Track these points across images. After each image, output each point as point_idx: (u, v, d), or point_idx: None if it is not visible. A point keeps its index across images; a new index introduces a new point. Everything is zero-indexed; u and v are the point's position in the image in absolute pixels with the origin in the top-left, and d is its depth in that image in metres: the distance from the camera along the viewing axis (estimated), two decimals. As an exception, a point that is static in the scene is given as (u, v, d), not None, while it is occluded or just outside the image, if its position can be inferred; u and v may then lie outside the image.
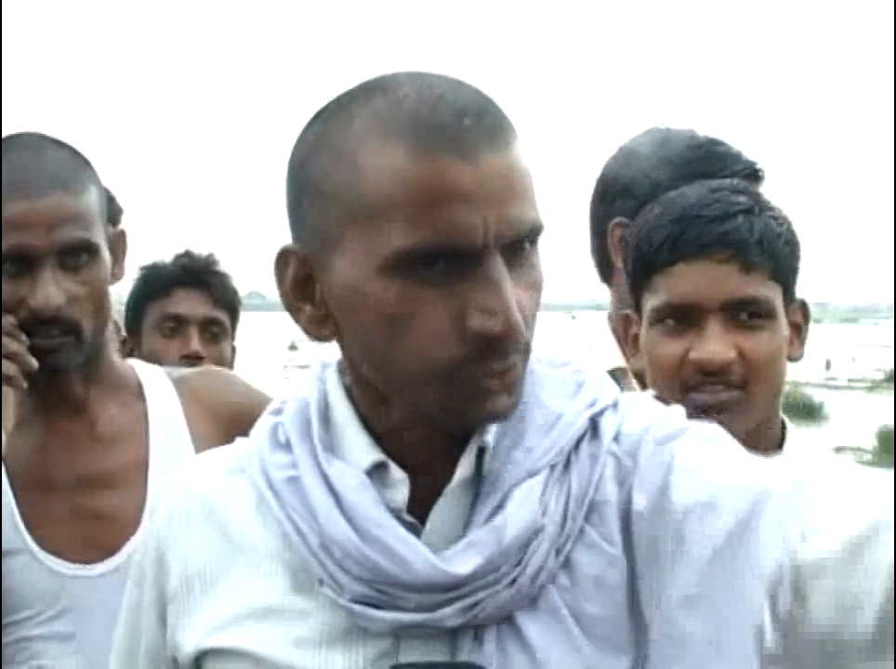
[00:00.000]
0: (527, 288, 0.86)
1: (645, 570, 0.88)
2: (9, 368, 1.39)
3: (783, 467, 0.87)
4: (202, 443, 1.52)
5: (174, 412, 1.58)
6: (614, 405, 0.95)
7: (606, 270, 1.84)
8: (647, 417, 0.94)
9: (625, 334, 1.47)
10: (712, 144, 1.75)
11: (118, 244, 1.53)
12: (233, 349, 2.46)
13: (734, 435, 0.96)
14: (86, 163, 1.49)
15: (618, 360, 1.73)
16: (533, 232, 0.86)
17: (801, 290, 1.41)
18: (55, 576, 1.47)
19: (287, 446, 0.95)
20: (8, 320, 1.41)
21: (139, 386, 1.59)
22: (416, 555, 0.87)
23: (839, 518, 0.79)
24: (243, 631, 0.93)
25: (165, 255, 2.46)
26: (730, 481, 0.86)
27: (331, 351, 0.99)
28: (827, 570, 0.78)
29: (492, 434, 0.91)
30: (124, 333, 2.42)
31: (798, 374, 18.52)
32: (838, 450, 11.35)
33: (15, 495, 1.49)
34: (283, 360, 24.40)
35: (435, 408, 0.87)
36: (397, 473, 0.91)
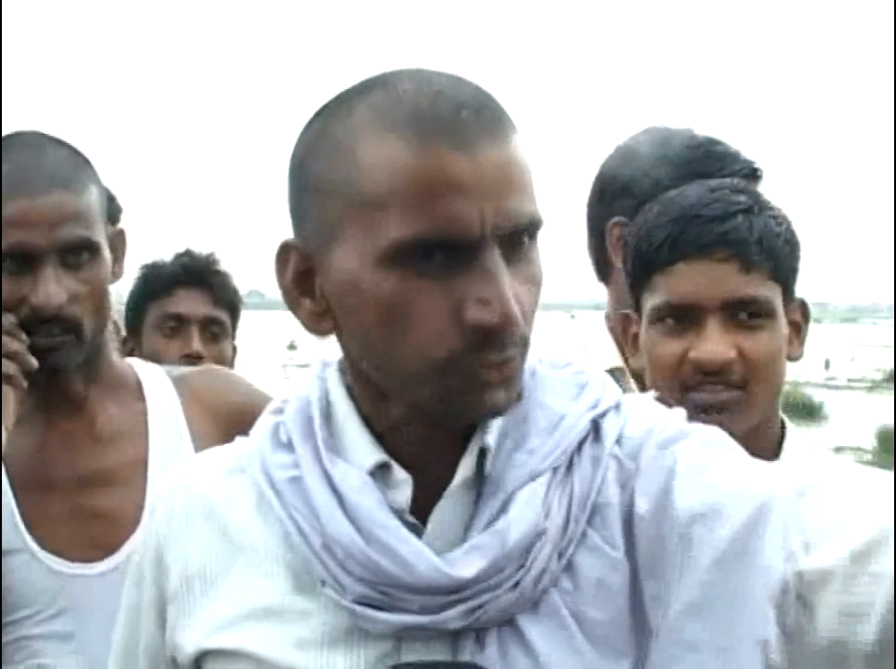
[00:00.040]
0: (525, 282, 0.86)
1: (647, 573, 0.88)
2: (10, 367, 1.39)
3: (785, 474, 0.87)
4: (201, 442, 1.52)
5: (173, 411, 1.58)
6: (616, 407, 0.95)
7: (604, 269, 1.83)
8: (649, 420, 0.94)
9: (624, 333, 1.47)
10: (711, 143, 1.75)
11: (118, 243, 1.53)
12: (234, 349, 2.46)
13: (734, 435, 0.96)
14: (86, 161, 1.49)
15: (615, 360, 1.73)
16: (531, 226, 0.86)
17: (801, 289, 1.41)
18: (54, 575, 1.47)
19: (289, 446, 0.95)
20: (9, 318, 1.41)
21: (139, 386, 1.59)
22: (420, 557, 0.86)
23: (843, 527, 0.79)
24: (244, 631, 0.92)
25: (166, 255, 2.46)
26: (733, 488, 0.86)
27: (331, 350, 0.99)
28: (831, 580, 0.78)
29: (493, 435, 0.91)
30: (124, 332, 2.42)
31: (798, 374, 18.53)
32: (838, 450, 11.35)
33: (14, 494, 1.49)
34: (283, 360, 24.39)
35: (433, 402, 0.87)
36: (400, 474, 0.91)
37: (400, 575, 0.86)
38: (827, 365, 25.90)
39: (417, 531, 0.89)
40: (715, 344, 1.32)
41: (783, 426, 1.44)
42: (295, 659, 0.90)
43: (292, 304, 0.92)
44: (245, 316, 2.49)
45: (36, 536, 1.48)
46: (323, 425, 0.94)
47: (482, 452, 0.91)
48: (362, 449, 0.92)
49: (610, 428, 0.92)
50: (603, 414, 0.93)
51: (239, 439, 1.02)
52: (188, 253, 2.44)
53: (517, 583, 0.87)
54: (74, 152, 1.48)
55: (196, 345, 2.33)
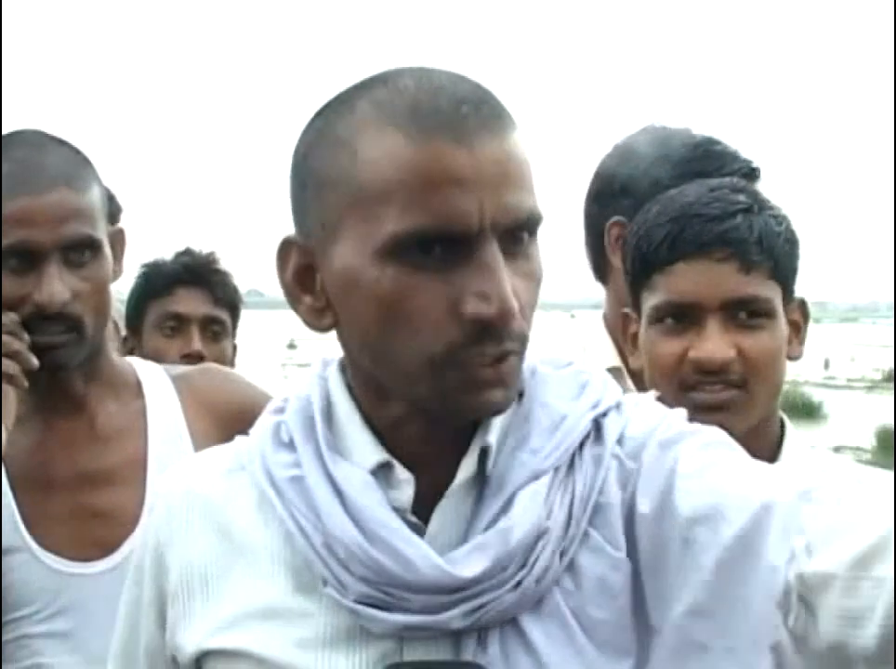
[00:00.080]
0: (525, 278, 0.86)
1: (649, 573, 0.88)
2: (11, 367, 1.39)
3: (786, 476, 0.87)
4: (200, 441, 1.53)
5: (172, 409, 1.58)
6: (618, 407, 0.94)
7: (602, 269, 1.83)
8: (651, 420, 0.94)
9: (624, 332, 1.47)
10: (710, 143, 1.75)
11: (117, 242, 1.54)
12: (234, 348, 2.46)
13: (734, 434, 0.96)
14: (87, 160, 1.49)
15: (613, 360, 1.73)
16: (530, 222, 0.86)
17: (800, 289, 1.41)
18: (54, 574, 1.47)
19: (290, 445, 0.95)
20: (11, 316, 1.41)
21: (138, 384, 1.59)
22: (423, 557, 0.86)
23: (844, 531, 0.78)
24: (245, 632, 0.92)
25: (166, 253, 2.46)
26: (735, 490, 0.86)
27: (330, 349, 0.99)
28: (833, 584, 0.77)
29: (495, 434, 0.91)
30: (123, 332, 2.42)
31: (797, 374, 18.54)
32: (837, 449, 11.36)
33: (14, 493, 1.49)
34: (282, 359, 24.39)
35: (431, 400, 0.87)
36: (402, 473, 0.91)
37: (402, 575, 0.86)
38: (827, 365, 25.91)
39: (419, 530, 0.89)
40: (714, 343, 1.32)
41: (782, 426, 1.44)
42: (296, 659, 0.90)
43: (292, 300, 0.93)
44: (245, 315, 2.49)
45: (36, 535, 1.48)
46: (325, 424, 0.94)
47: (484, 452, 0.91)
48: (364, 448, 0.92)
49: (611, 428, 0.92)
50: (605, 414, 0.93)
51: (239, 439, 1.02)
52: (188, 252, 2.44)
53: (519, 583, 0.87)
54: (75, 151, 1.48)
55: (197, 344, 2.34)
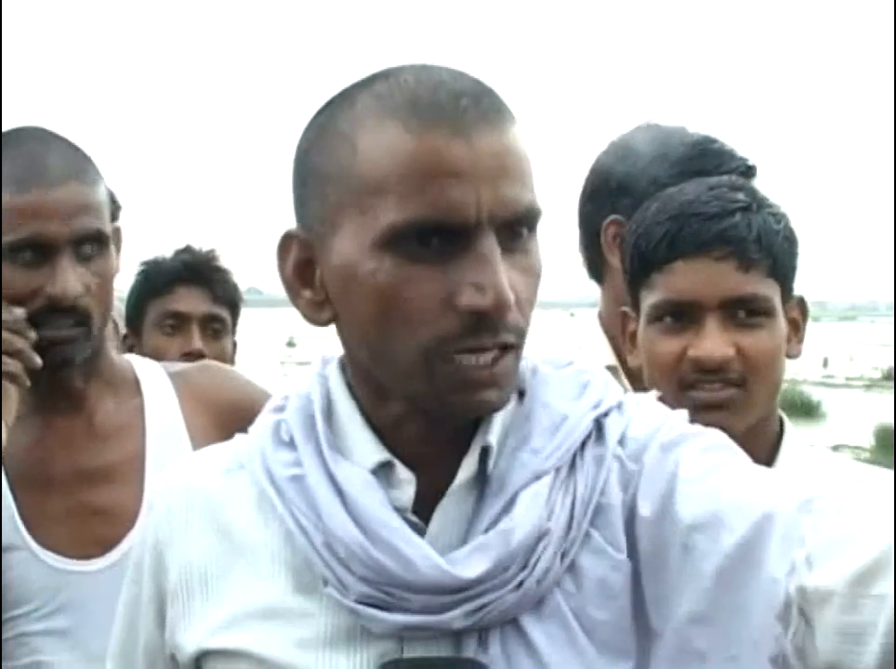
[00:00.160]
0: (523, 273, 0.86)
1: (649, 576, 0.88)
2: (13, 365, 1.39)
3: (787, 484, 0.86)
4: (199, 438, 1.53)
5: (170, 406, 1.58)
6: (619, 407, 0.94)
7: (597, 268, 1.82)
8: (652, 421, 0.94)
9: (622, 331, 1.47)
10: (707, 141, 1.74)
11: (116, 240, 1.54)
12: (234, 346, 2.46)
13: (732, 433, 0.96)
14: (89, 156, 1.49)
15: (609, 358, 1.73)
16: (529, 216, 0.86)
17: (799, 288, 1.41)
18: (53, 572, 1.47)
19: (291, 444, 0.95)
20: (16, 313, 1.40)
21: (136, 382, 1.59)
22: (424, 557, 0.86)
23: (845, 546, 0.77)
24: (245, 631, 0.92)
25: (165, 251, 2.46)
26: (736, 498, 0.85)
27: (329, 347, 0.99)
28: (833, 600, 0.76)
29: (495, 434, 0.91)
30: (123, 330, 2.42)
31: (796, 372, 18.54)
32: (836, 448, 11.36)
33: (13, 491, 1.49)
34: (281, 357, 24.39)
35: (426, 398, 0.87)
36: (403, 473, 0.90)
37: (403, 575, 0.86)
38: (825, 363, 25.92)
39: (420, 530, 0.89)
40: (713, 342, 1.32)
41: (781, 425, 1.44)
42: (296, 659, 0.89)
43: (292, 294, 0.93)
44: (244, 313, 2.49)
45: (35, 533, 1.48)
46: (325, 423, 0.94)
47: (485, 452, 0.91)
48: (365, 447, 0.92)
49: (613, 428, 0.92)
50: (606, 414, 0.93)
51: (238, 437, 1.02)
52: (188, 249, 2.44)
53: (520, 584, 0.87)
54: (77, 147, 1.49)
55: (197, 342, 2.34)
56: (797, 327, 1.41)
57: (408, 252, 0.84)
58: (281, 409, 0.99)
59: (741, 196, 1.36)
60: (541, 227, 0.89)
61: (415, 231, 0.83)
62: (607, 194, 1.76)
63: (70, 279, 1.41)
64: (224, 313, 2.40)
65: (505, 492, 0.89)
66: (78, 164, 1.45)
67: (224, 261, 2.44)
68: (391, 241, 0.83)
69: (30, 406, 1.50)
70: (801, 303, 1.41)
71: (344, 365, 0.97)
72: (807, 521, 0.81)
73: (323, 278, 0.90)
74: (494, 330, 0.84)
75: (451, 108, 0.84)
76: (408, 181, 0.83)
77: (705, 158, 1.70)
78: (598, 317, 1.84)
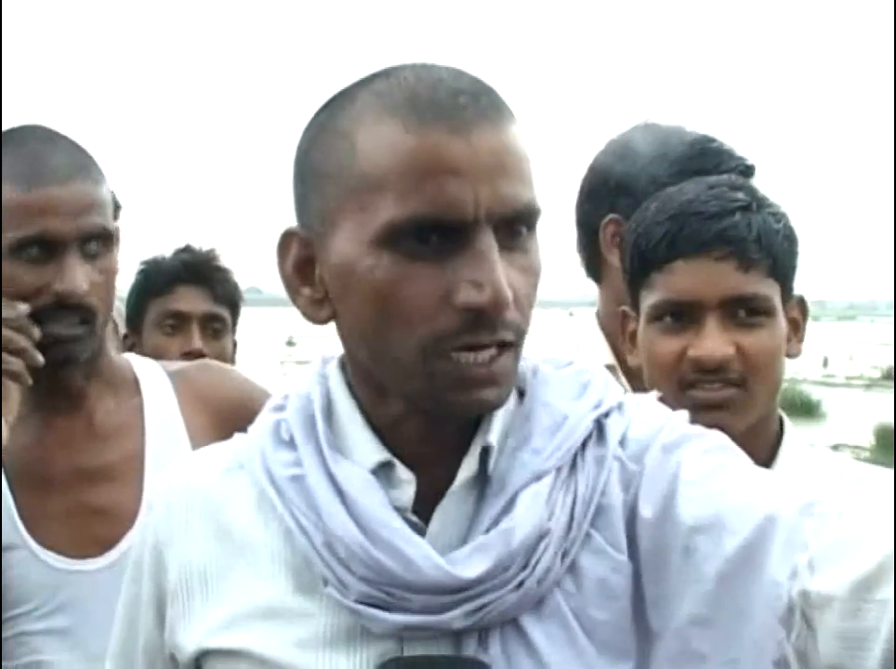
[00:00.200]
0: (522, 272, 0.86)
1: (649, 577, 0.88)
2: (16, 364, 1.39)
3: (789, 486, 0.86)
4: (198, 437, 1.53)
5: (169, 405, 1.58)
6: (619, 407, 0.94)
7: (595, 267, 1.82)
8: (653, 422, 0.94)
9: (622, 331, 1.47)
10: (706, 141, 1.74)
11: (116, 239, 1.54)
12: (235, 345, 2.46)
13: (733, 432, 0.96)
14: (91, 155, 1.50)
15: (607, 357, 1.73)
16: (528, 214, 0.86)
17: (798, 287, 1.41)
18: (53, 571, 1.47)
19: (291, 444, 0.95)
20: (19, 310, 1.40)
21: (135, 381, 1.59)
22: (424, 557, 0.86)
23: (847, 550, 0.77)
24: (245, 631, 0.92)
25: (165, 251, 2.46)
26: (738, 500, 0.85)
27: (329, 347, 0.99)
28: (835, 605, 0.76)
29: (496, 434, 0.91)
30: (123, 330, 2.42)
31: (796, 372, 18.55)
32: (836, 447, 11.36)
33: (12, 490, 1.49)
34: (281, 356, 24.38)
35: (424, 396, 0.87)
36: (403, 473, 0.90)
37: (403, 575, 0.86)
38: (825, 363, 25.94)
39: (420, 530, 0.89)
40: (713, 341, 1.32)
41: (781, 424, 1.44)
42: (296, 659, 0.89)
43: (291, 291, 0.93)
44: (243, 312, 2.49)
45: (34, 532, 1.48)
46: (325, 423, 0.94)
47: (485, 452, 0.91)
48: (365, 447, 0.92)
49: (613, 429, 0.92)
50: (607, 414, 0.93)
51: (238, 436, 1.01)
52: (188, 249, 2.44)
53: (520, 584, 0.87)
54: (80, 146, 1.49)
55: (197, 342, 2.34)
56: (797, 327, 1.41)
57: (407, 249, 0.84)
58: (281, 408, 0.98)
59: (741, 195, 1.36)
60: (541, 226, 0.89)
61: (413, 228, 0.83)
62: (606, 193, 1.76)
63: (78, 276, 1.41)
64: (224, 313, 2.40)
65: (505, 492, 0.89)
66: (83, 163, 1.45)
67: (224, 260, 2.44)
68: (390, 238, 0.84)
69: (29, 405, 1.49)
70: (801, 302, 1.41)
71: (344, 364, 0.97)
72: (809, 525, 0.81)
73: (323, 275, 0.90)
74: (491, 327, 0.84)
75: (450, 106, 0.84)
76: (407, 178, 0.83)
77: (705, 157, 1.70)
78: (595, 316, 1.84)
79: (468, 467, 0.91)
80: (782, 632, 0.80)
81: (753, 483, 0.88)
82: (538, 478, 0.89)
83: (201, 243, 2.47)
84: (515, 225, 0.86)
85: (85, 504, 1.50)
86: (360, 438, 0.92)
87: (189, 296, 2.37)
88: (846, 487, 0.83)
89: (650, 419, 0.94)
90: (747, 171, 1.71)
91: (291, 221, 0.93)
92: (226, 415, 1.53)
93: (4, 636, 1.46)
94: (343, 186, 0.86)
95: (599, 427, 0.92)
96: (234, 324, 2.45)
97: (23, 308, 1.40)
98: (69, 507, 1.50)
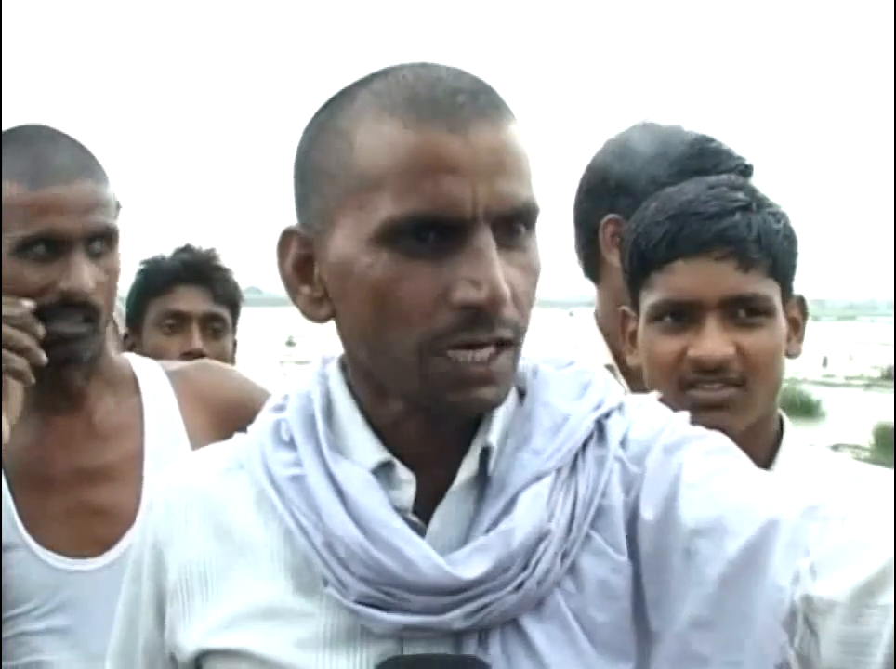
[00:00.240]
0: (521, 271, 0.86)
1: (650, 579, 0.88)
2: (20, 362, 1.38)
3: (791, 489, 0.86)
4: (197, 436, 1.53)
5: (169, 405, 1.58)
6: (620, 408, 0.94)
7: (593, 266, 1.82)
8: (654, 423, 0.93)
9: (622, 331, 1.47)
10: (705, 140, 1.74)
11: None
12: (235, 345, 2.46)
13: (732, 432, 0.96)
14: (94, 154, 1.50)
15: (605, 357, 1.73)
16: (526, 212, 0.86)
17: (798, 287, 1.41)
18: (52, 571, 1.47)
19: (291, 444, 0.95)
20: (24, 308, 1.40)
21: (135, 380, 1.59)
22: (424, 558, 0.86)
23: (849, 555, 0.77)
24: (245, 632, 0.92)
25: (165, 251, 2.46)
26: (739, 502, 0.85)
27: (329, 347, 0.99)
28: (837, 610, 0.76)
29: (496, 434, 0.91)
30: (122, 329, 2.42)
31: (796, 372, 18.56)
32: (835, 447, 11.36)
33: (12, 490, 1.49)
34: (281, 356, 24.39)
35: (422, 395, 0.87)
36: (404, 473, 0.90)
37: (403, 575, 0.86)
38: (825, 363, 25.95)
39: (420, 530, 0.89)
40: (713, 341, 1.32)
41: (781, 424, 1.44)
42: (296, 659, 0.89)
43: (291, 290, 0.93)
44: (243, 312, 2.49)
45: (34, 532, 1.48)
46: (325, 423, 0.94)
47: (485, 452, 0.91)
48: (365, 447, 0.92)
49: (614, 430, 0.92)
50: (607, 415, 0.93)
51: (237, 436, 1.01)
52: (188, 248, 2.44)
53: (521, 585, 0.86)
54: (83, 145, 1.49)
55: (197, 342, 2.34)
56: (796, 326, 1.41)
57: (405, 247, 0.84)
58: (280, 408, 0.98)
59: (740, 195, 1.36)
60: (540, 225, 0.89)
61: (411, 226, 0.83)
62: (605, 193, 1.76)
63: (84, 274, 1.41)
64: (224, 312, 2.40)
65: (505, 493, 0.89)
66: (88, 162, 1.45)
67: (224, 260, 2.44)
68: (388, 236, 0.84)
69: (30, 404, 1.50)
70: (801, 302, 1.41)
71: (344, 364, 0.97)
72: (812, 529, 0.81)
73: (322, 274, 0.90)
74: (489, 325, 0.84)
75: (448, 104, 0.84)
76: (405, 176, 0.83)
77: (704, 157, 1.70)
78: (594, 316, 1.84)
79: (468, 468, 0.90)
80: (784, 636, 0.80)
81: (754, 486, 0.88)
82: (538, 478, 0.89)
83: (201, 243, 2.47)
84: (513, 223, 0.86)
85: (84, 503, 1.50)
86: (360, 438, 0.92)
87: (189, 296, 2.37)
88: (846, 487, 0.83)
89: (651, 420, 0.94)
90: (746, 171, 1.71)
91: (291, 221, 0.93)
92: (226, 415, 1.53)
93: (4, 635, 1.46)
94: (342, 185, 0.86)
95: (600, 428, 0.92)
96: (234, 324, 2.45)
97: (28, 305, 1.40)
98: (68, 507, 1.50)
